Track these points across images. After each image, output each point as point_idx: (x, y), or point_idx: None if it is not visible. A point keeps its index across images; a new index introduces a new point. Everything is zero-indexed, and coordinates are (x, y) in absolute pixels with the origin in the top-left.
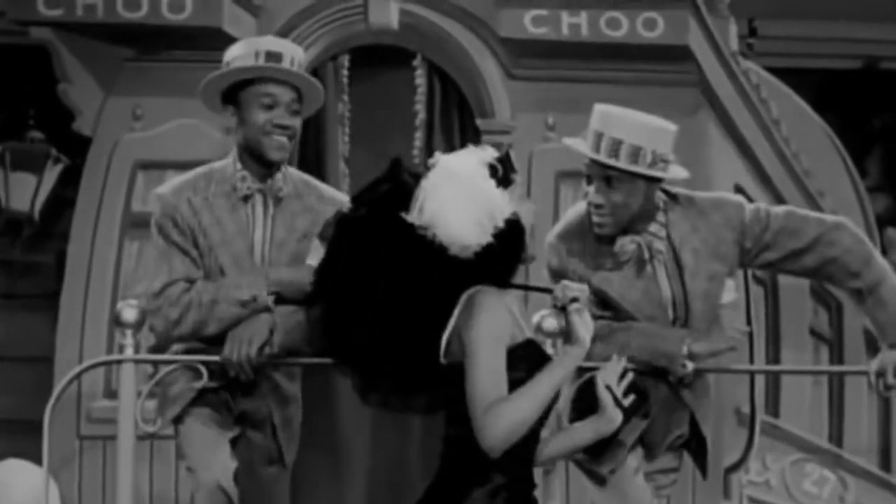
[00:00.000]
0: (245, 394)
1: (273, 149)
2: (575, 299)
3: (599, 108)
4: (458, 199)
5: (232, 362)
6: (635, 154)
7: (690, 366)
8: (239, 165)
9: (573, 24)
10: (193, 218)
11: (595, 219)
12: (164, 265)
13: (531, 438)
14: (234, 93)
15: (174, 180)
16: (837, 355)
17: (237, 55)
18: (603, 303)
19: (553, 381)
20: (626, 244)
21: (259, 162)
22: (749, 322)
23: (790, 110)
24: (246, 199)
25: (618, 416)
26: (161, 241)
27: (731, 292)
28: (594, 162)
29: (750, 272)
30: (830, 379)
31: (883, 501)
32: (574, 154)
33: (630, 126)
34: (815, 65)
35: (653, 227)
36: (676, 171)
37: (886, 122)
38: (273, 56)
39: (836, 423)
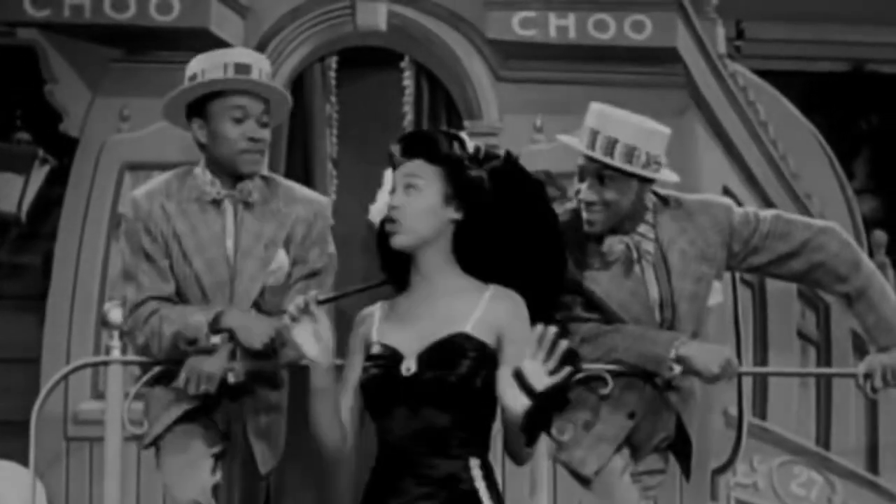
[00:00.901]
0: (220, 404)
1: (246, 164)
2: (291, 317)
3: (595, 107)
4: None
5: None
6: (630, 153)
7: (678, 369)
8: (208, 174)
9: (561, 27)
10: (167, 224)
11: (585, 216)
12: (131, 281)
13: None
14: (202, 106)
15: (149, 184)
16: (825, 357)
17: (204, 68)
18: (589, 304)
19: (313, 398)
20: (614, 244)
21: (230, 174)
22: (737, 324)
23: (777, 112)
24: (215, 202)
25: (516, 404)
26: (128, 253)
27: (717, 294)
28: (588, 159)
29: (737, 274)
30: (818, 381)
31: (870, 503)
32: (562, 156)
33: (626, 126)
34: (802, 67)
35: (642, 228)
36: (668, 174)
37: (873, 125)
38: (242, 68)
39: (823, 424)
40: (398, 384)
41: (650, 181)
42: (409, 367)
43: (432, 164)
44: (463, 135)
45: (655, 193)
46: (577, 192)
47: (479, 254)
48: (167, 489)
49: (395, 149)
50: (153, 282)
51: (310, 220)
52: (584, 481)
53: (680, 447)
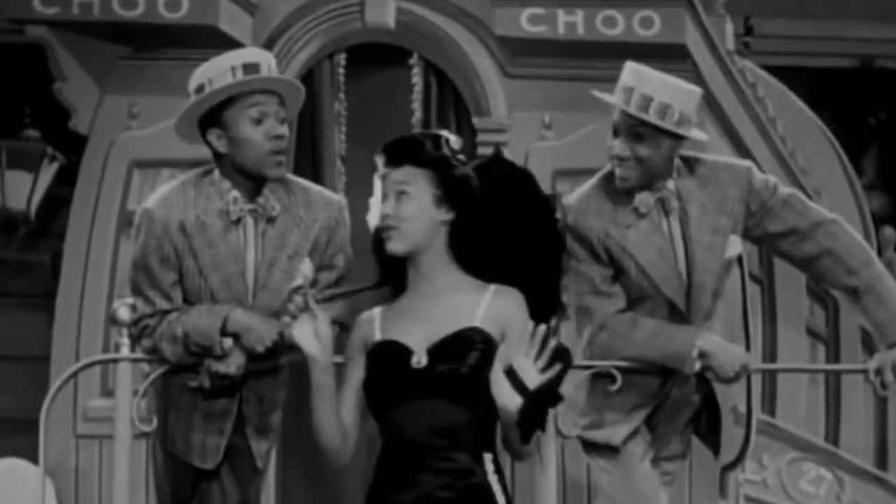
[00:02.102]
0: (224, 395)
1: (272, 167)
2: (292, 315)
3: (631, 66)
4: None
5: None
6: (664, 111)
7: (699, 365)
8: (228, 184)
9: (569, 23)
10: (183, 239)
11: (618, 171)
12: (139, 292)
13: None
14: (216, 115)
15: (162, 192)
16: (834, 354)
17: (211, 77)
18: (616, 275)
19: (313, 395)
20: (646, 197)
21: (252, 178)
22: (746, 319)
23: (786, 109)
24: (238, 220)
25: (510, 402)
26: (135, 265)
27: (736, 246)
28: (623, 114)
29: (747, 270)
30: (827, 378)
31: (879, 500)
32: (570, 153)
33: (660, 84)
34: (811, 63)
35: (669, 185)
36: (698, 133)
37: (882, 121)
38: (251, 68)
39: (832, 421)
40: (409, 378)
41: (681, 139)
42: (419, 360)
43: (420, 168)
44: (445, 133)
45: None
46: (611, 148)
47: (475, 250)
48: None
49: (381, 158)
50: (156, 299)
51: (331, 226)
52: (610, 451)
53: (704, 427)
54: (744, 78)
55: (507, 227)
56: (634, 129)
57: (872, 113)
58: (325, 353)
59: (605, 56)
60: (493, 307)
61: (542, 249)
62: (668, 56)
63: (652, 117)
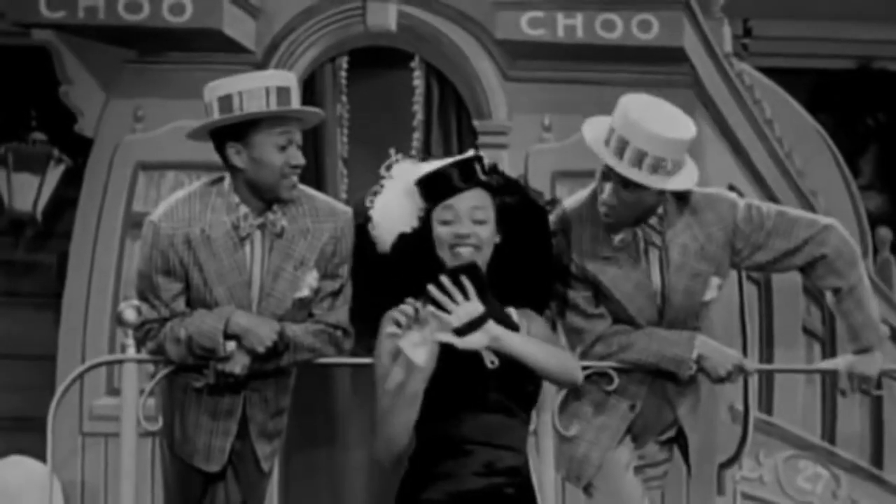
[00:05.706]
0: (227, 392)
1: (287, 189)
2: (398, 323)
3: (626, 114)
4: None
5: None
6: (656, 166)
7: (694, 368)
8: (237, 198)
9: (569, 26)
10: (188, 252)
11: (605, 213)
12: (144, 299)
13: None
14: (240, 131)
15: (169, 204)
16: (830, 353)
17: (241, 90)
18: (597, 296)
19: (388, 399)
20: (626, 236)
21: (264, 199)
22: (742, 320)
23: (784, 110)
24: (247, 235)
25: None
26: (140, 274)
27: (713, 291)
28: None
29: (744, 271)
30: (823, 376)
31: (874, 497)
32: (570, 155)
33: (654, 140)
34: (808, 65)
35: (652, 220)
36: (685, 180)
37: (879, 122)
38: (284, 91)
39: (828, 419)
40: (480, 379)
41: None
42: (492, 360)
43: (489, 195)
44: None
45: None
46: (602, 189)
47: (504, 272)
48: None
49: (454, 175)
50: (161, 308)
51: (337, 236)
52: (586, 484)
53: (683, 441)
54: (741, 80)
55: (526, 256)
56: (626, 180)
57: (871, 114)
58: (430, 363)
59: (603, 59)
60: (531, 327)
61: (543, 280)
62: (666, 59)
63: (644, 174)
